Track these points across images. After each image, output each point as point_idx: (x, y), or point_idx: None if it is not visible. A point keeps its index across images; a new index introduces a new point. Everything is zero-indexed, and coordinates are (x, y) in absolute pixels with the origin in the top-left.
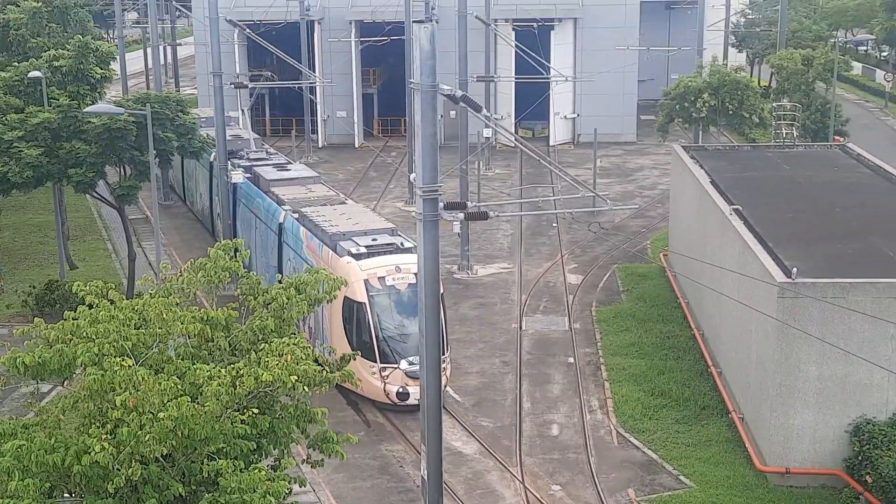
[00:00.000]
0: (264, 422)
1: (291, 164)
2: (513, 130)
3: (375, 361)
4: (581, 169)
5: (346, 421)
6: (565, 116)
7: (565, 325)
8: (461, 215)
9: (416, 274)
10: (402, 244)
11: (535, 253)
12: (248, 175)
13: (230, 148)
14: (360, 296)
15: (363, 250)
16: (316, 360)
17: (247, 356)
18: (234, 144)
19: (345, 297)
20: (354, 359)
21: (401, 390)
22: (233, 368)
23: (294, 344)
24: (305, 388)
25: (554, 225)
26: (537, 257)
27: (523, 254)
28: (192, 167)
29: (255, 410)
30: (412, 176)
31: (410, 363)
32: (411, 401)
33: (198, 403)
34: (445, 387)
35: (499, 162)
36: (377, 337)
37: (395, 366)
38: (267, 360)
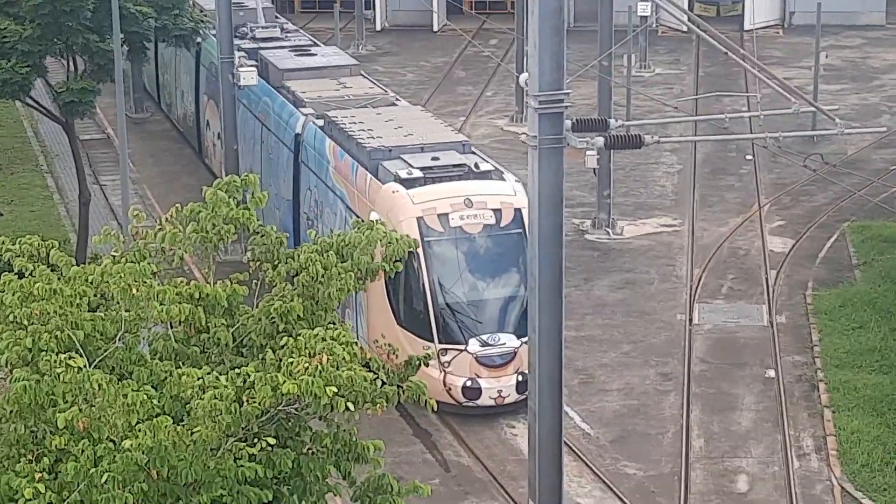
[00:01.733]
0: (286, 459)
1: (318, 46)
2: (686, 6)
3: (432, 341)
4: (794, 68)
5: (413, 461)
6: None
7: (763, 319)
8: (600, 140)
9: (495, 211)
10: (476, 166)
11: (716, 202)
12: (253, 62)
13: (235, 23)
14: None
15: (417, 174)
16: (367, 364)
17: (260, 356)
18: (235, 17)
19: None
20: (427, 363)
21: (469, 384)
22: (238, 374)
23: (333, 338)
24: (350, 406)
25: (748, 157)
26: (720, 209)
27: (697, 203)
28: (169, 53)
29: (272, 441)
30: (522, 78)
31: (484, 343)
32: (484, 399)
33: (184, 427)
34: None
35: (662, 57)
36: (434, 303)
37: (462, 347)
38: (291, 362)
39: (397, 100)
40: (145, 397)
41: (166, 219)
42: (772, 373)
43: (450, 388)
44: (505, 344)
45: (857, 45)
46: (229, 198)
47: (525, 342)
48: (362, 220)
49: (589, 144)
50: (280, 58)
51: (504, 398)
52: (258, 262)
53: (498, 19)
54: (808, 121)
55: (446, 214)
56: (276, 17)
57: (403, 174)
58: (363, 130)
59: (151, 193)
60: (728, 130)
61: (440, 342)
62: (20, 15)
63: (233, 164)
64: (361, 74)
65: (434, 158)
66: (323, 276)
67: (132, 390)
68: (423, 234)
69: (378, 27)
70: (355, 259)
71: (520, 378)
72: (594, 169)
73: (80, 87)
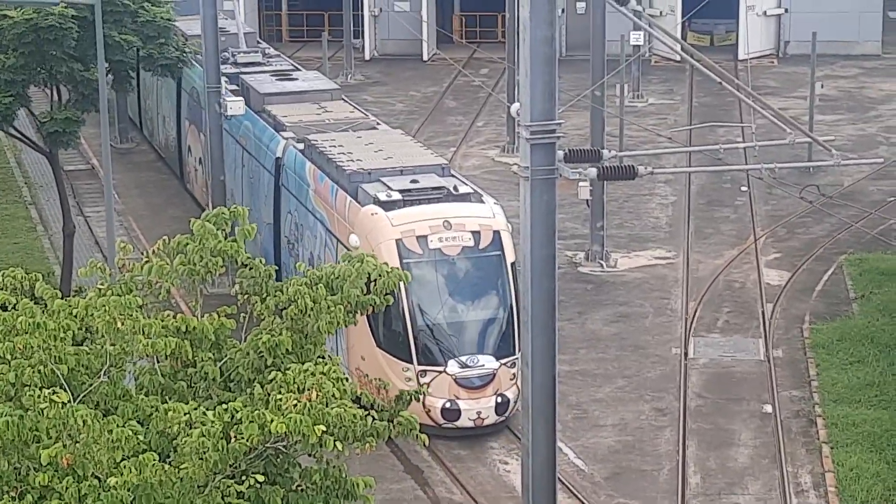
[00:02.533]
0: (275, 496)
1: (300, 71)
2: (679, 35)
3: (411, 362)
4: (789, 98)
5: (404, 498)
6: (765, 13)
7: (759, 353)
8: (593, 171)
9: (474, 233)
10: (455, 188)
11: (711, 234)
12: (234, 87)
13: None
14: (390, 263)
15: (396, 196)
16: (358, 400)
17: (248, 391)
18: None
19: None
20: (419, 398)
21: (448, 405)
22: (226, 410)
23: (322, 373)
24: (339, 444)
25: (744, 188)
26: (715, 241)
27: (692, 235)
28: (151, 79)
29: (261, 478)
30: (514, 108)
31: (463, 365)
32: (463, 421)
33: (170, 464)
34: (516, 403)
35: (655, 86)
36: (413, 325)
37: (441, 369)
38: (280, 398)
39: (378, 124)
40: (131, 433)
41: (153, 251)
42: (769, 408)
43: (429, 410)
44: (484, 366)
45: (852, 74)
46: (217, 230)
47: (504, 364)
48: (341, 243)
49: (582, 175)
50: (261, 82)
51: (483, 420)
52: (246, 295)
53: (488, 48)
54: (803, 152)
55: (425, 237)
56: (259, 43)
57: (383, 197)
58: (343, 154)
59: (137, 225)
60: (723, 161)
61: (419, 363)
62: (3, 44)
63: (219, 195)
64: (342, 99)
65: (413, 181)
66: (312, 309)
67: (117, 426)
68: (402, 256)
69: (367, 56)
70: (345, 292)
71: (499, 400)
72: (587, 200)
73: (64, 117)
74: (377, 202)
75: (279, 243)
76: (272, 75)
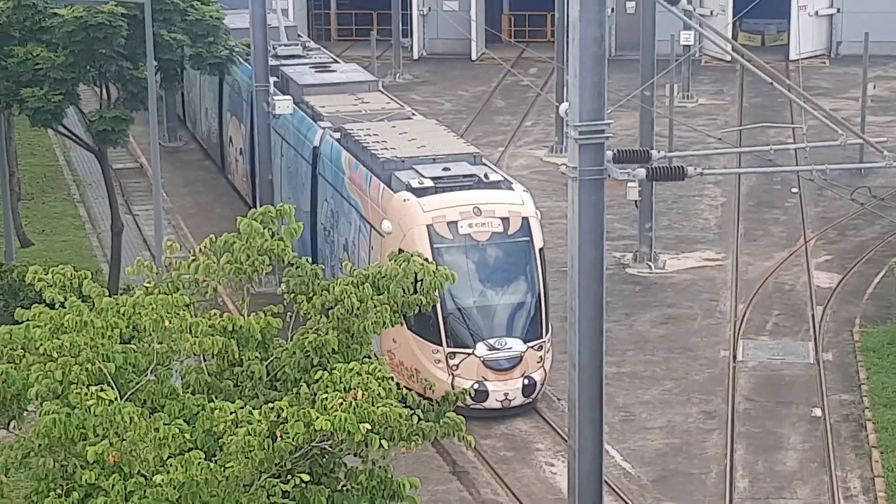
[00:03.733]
0: (320, 496)
1: (338, 63)
2: (729, 35)
3: (440, 344)
4: (841, 99)
5: (450, 499)
6: (816, 13)
7: (809, 356)
8: (641, 172)
9: (503, 219)
10: (485, 176)
11: (761, 235)
12: (274, 77)
13: (248, 39)
14: (422, 248)
15: (428, 183)
16: (403, 400)
17: (294, 390)
18: None
19: (399, 249)
20: (464, 401)
21: (477, 387)
22: (272, 409)
23: (368, 373)
24: (384, 443)
25: (794, 190)
26: (765, 243)
27: (741, 237)
28: (194, 71)
29: (306, 477)
30: (563, 108)
31: (491, 348)
32: (491, 402)
33: (216, 463)
34: (542, 385)
35: (705, 86)
36: (443, 308)
37: (469, 351)
38: (326, 397)
39: (413, 114)
40: (177, 431)
41: (200, 250)
42: (818, 411)
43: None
44: (511, 348)
45: None
46: (264, 228)
47: (531, 347)
48: (375, 229)
49: (630, 176)
50: (300, 74)
51: (510, 401)
52: (293, 295)
53: (537, 48)
54: (855, 153)
55: (455, 222)
56: (299, 36)
57: (415, 183)
58: (378, 142)
59: (185, 224)
60: (773, 162)
61: (448, 346)
62: (53, 42)
63: (267, 194)
64: (379, 90)
65: (445, 169)
66: (358, 308)
67: (164, 424)
68: (432, 242)
69: (416, 56)
70: (391, 292)
71: (526, 382)
72: (636, 201)
73: (113, 116)
74: (409, 189)
75: (316, 231)
76: (311, 67)
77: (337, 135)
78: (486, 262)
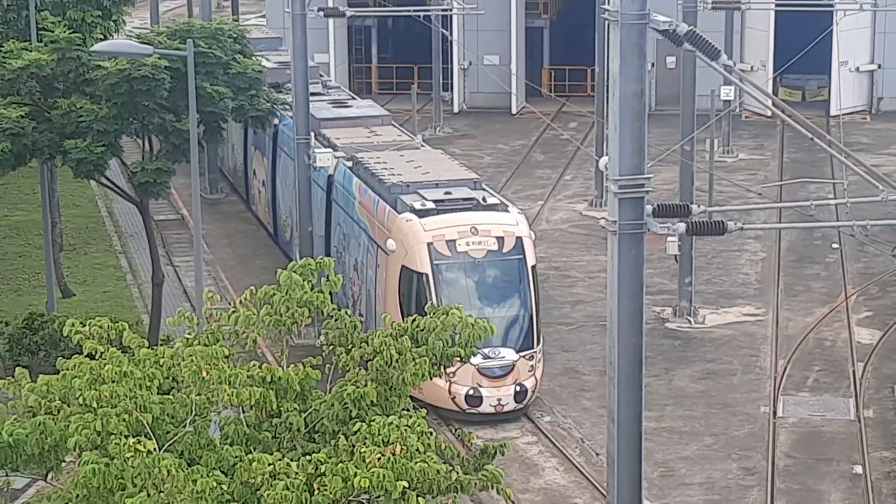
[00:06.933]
0: None
1: (355, 99)
2: (770, 90)
3: None
4: (882, 155)
5: None
6: (857, 69)
7: (850, 413)
8: (681, 226)
9: (498, 238)
10: (483, 199)
11: (801, 291)
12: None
13: (274, 80)
14: (422, 265)
15: (430, 205)
16: (441, 452)
17: (332, 442)
18: (281, 74)
19: (402, 266)
20: (503, 452)
21: (471, 392)
22: (310, 461)
23: (407, 426)
24: (421, 500)
25: (835, 245)
26: (805, 298)
27: (782, 292)
28: None
29: None
30: (603, 161)
31: (486, 356)
32: (485, 407)
33: None
34: (533, 393)
35: (745, 141)
36: None
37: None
38: (364, 451)
39: (421, 145)
40: (215, 483)
41: (240, 301)
42: (859, 469)
43: (454, 396)
44: (505, 357)
45: None
46: (304, 281)
47: (523, 356)
48: (381, 248)
49: (670, 230)
50: (318, 109)
51: (503, 406)
52: (332, 346)
53: (577, 102)
54: None
55: (454, 241)
56: (321, 76)
57: (417, 205)
58: (385, 169)
59: (225, 275)
60: (814, 218)
61: None
62: (96, 94)
63: (307, 246)
64: (392, 124)
65: (447, 192)
66: (397, 360)
67: (202, 476)
68: (432, 258)
69: (456, 109)
70: (430, 344)
71: (518, 388)
72: (675, 255)
73: (155, 168)
74: (412, 210)
75: (329, 254)
76: (329, 103)
77: (349, 163)
78: (481, 277)
